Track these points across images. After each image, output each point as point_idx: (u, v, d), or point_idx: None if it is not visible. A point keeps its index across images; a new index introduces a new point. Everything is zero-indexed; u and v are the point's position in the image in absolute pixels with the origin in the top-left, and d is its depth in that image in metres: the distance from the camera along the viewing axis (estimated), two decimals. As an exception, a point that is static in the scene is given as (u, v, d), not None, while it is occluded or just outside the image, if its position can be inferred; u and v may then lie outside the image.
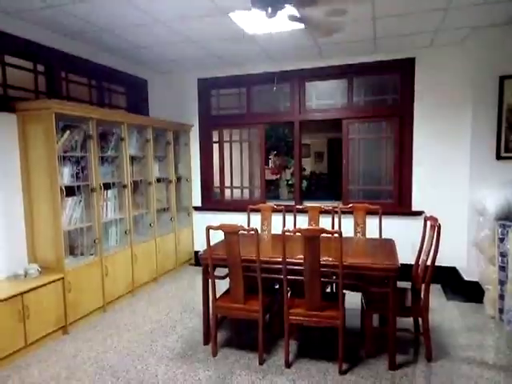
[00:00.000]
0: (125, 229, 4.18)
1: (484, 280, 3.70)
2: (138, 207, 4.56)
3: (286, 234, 2.64)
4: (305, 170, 9.58)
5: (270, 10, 2.59)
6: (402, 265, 2.68)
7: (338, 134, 5.14)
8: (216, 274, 2.96)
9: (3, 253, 3.26)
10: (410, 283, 3.13)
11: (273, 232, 3.92)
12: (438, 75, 4.38)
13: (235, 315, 3.05)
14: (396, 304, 2.67)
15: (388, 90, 4.87)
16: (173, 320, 3.65)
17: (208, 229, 2.82)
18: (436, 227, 2.70)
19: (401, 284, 2.84)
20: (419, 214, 4.46)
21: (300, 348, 3.04)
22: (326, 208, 3.92)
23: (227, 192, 5.62)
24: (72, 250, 3.66)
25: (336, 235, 2.58)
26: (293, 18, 2.82)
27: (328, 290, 3.43)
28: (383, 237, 3.62)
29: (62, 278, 3.32)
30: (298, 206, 4.17)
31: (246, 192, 5.70)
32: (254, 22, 3.00)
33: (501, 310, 3.41)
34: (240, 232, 2.73)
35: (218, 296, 2.98)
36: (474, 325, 3.43)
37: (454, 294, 4.10)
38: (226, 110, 5.56)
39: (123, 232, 4.18)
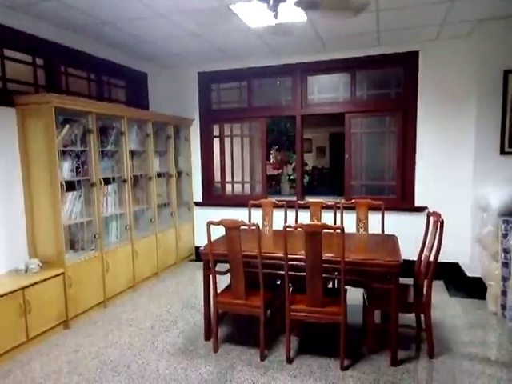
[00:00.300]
0: (125, 224, 4.16)
1: (487, 276, 3.68)
2: (139, 202, 4.55)
3: (288, 229, 2.62)
4: (307, 164, 9.57)
5: (271, 1, 2.54)
6: (404, 261, 2.65)
7: (340, 128, 5.10)
8: (217, 269, 2.94)
9: (4, 248, 3.25)
10: (412, 279, 3.12)
11: (274, 228, 3.90)
12: (442, 69, 4.33)
13: (236, 311, 3.04)
14: (398, 300, 2.66)
15: (391, 84, 4.81)
16: (174, 315, 3.65)
17: (209, 224, 2.80)
18: (439, 223, 2.68)
19: (403, 280, 2.82)
20: (422, 209, 4.43)
21: (301, 344, 3.04)
22: (328, 203, 3.90)
23: (228, 187, 5.59)
24: (72, 245, 3.65)
25: (338, 231, 2.56)
26: (303, 4, 2.66)
27: (330, 285, 3.41)
28: (386, 233, 3.60)
29: (63, 273, 3.32)
30: (299, 202, 4.14)
31: (247, 187, 5.68)
32: (256, 15, 2.94)
33: (503, 307, 3.39)
34: (241, 227, 2.71)
35: (219, 291, 2.97)
36: (476, 321, 3.41)
37: (456, 290, 4.08)
38: (227, 104, 5.52)
39: (124, 227, 4.16)
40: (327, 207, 3.89)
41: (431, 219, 2.96)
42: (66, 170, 3.46)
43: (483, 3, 3.31)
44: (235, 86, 5.36)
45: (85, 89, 4.25)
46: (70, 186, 3.51)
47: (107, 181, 3.95)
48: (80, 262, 3.51)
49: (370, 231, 3.70)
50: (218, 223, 2.74)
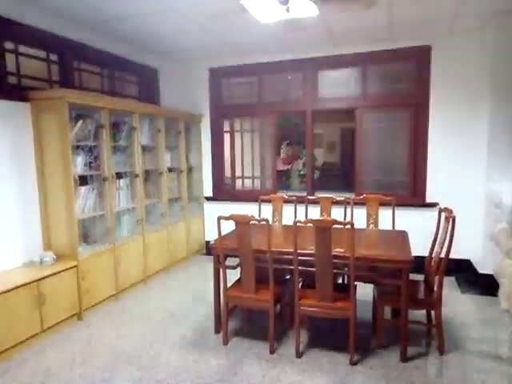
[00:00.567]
0: (137, 218, 4.22)
1: (499, 273, 3.64)
2: (150, 197, 4.59)
3: (298, 224, 2.63)
4: (317, 160, 9.51)
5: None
6: (414, 257, 2.64)
7: (351, 123, 5.07)
8: (227, 263, 2.97)
9: (19, 240, 3.32)
10: (423, 275, 3.10)
11: (284, 223, 3.91)
12: (455, 63, 4.26)
13: (246, 305, 3.06)
14: (408, 296, 2.65)
15: (403, 79, 4.75)
16: (184, 308, 3.69)
17: (219, 219, 2.82)
18: (451, 219, 2.65)
19: (413, 276, 2.80)
20: (434, 205, 4.38)
21: (311, 338, 3.05)
22: (339, 199, 3.89)
23: (238, 182, 5.61)
24: (85, 239, 3.72)
25: (348, 226, 2.56)
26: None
27: (340, 281, 3.41)
28: (396, 228, 3.57)
29: (76, 266, 3.38)
30: (309, 197, 4.14)
31: (258, 182, 5.69)
32: (267, 10, 2.93)
33: (516, 304, 3.35)
34: (251, 222, 2.73)
35: (229, 285, 3.00)
36: (487, 318, 3.38)
37: (468, 287, 4.04)
38: (238, 100, 5.51)
39: (135, 221, 4.22)
40: (337, 203, 3.88)
41: (443, 215, 2.94)
42: (79, 164, 3.52)
43: (499, -5, 3.25)
44: (246, 82, 5.36)
45: (97, 84, 4.29)
46: (83, 180, 3.56)
47: (119, 175, 4.01)
48: (93, 255, 3.58)
49: (380, 227, 3.68)
50: (228, 218, 2.76)
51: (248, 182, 5.65)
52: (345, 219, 3.70)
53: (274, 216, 3.96)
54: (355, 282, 2.66)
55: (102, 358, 2.83)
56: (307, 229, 2.84)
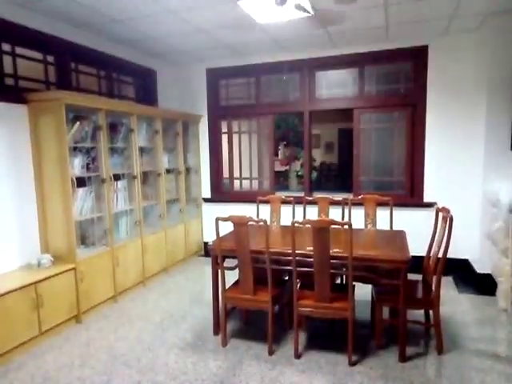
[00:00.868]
0: (135, 220, 4.21)
1: (497, 272, 3.65)
2: (148, 198, 4.59)
3: (296, 225, 2.63)
4: (315, 160, 9.51)
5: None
6: (412, 257, 2.65)
7: (348, 123, 5.08)
8: (225, 264, 2.96)
9: (17, 243, 3.31)
10: (421, 275, 3.10)
11: (282, 223, 3.91)
12: (452, 63, 4.28)
13: (244, 306, 3.06)
14: (407, 296, 2.65)
15: (400, 79, 4.77)
16: (183, 310, 3.69)
17: (217, 220, 2.82)
18: (448, 219, 2.66)
19: (412, 276, 2.81)
20: (431, 205, 4.39)
21: (309, 339, 3.05)
22: (336, 199, 3.89)
23: (236, 183, 5.61)
24: (83, 241, 3.71)
25: (346, 226, 2.56)
26: (299, 8, 2.76)
27: (338, 281, 3.41)
28: (394, 228, 3.58)
29: (74, 268, 3.37)
30: (307, 198, 4.15)
31: (255, 183, 5.69)
32: (264, 10, 2.94)
33: (514, 303, 3.37)
34: (249, 223, 2.73)
35: (227, 287, 3.00)
36: (485, 317, 3.39)
37: (465, 287, 4.05)
38: (235, 101, 5.52)
39: (133, 223, 4.21)
40: (335, 203, 3.89)
41: (440, 215, 2.95)
42: (76, 166, 3.51)
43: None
44: (243, 83, 5.36)
45: (95, 86, 4.29)
46: (81, 182, 3.55)
47: (117, 177, 4.00)
48: (91, 257, 3.57)
49: (378, 227, 3.69)
50: (226, 219, 2.76)
51: (246, 183, 5.65)
52: (343, 219, 3.71)
53: (272, 217, 3.96)
54: (353, 283, 2.66)
55: (101, 361, 2.82)
56: (305, 229, 2.85)
